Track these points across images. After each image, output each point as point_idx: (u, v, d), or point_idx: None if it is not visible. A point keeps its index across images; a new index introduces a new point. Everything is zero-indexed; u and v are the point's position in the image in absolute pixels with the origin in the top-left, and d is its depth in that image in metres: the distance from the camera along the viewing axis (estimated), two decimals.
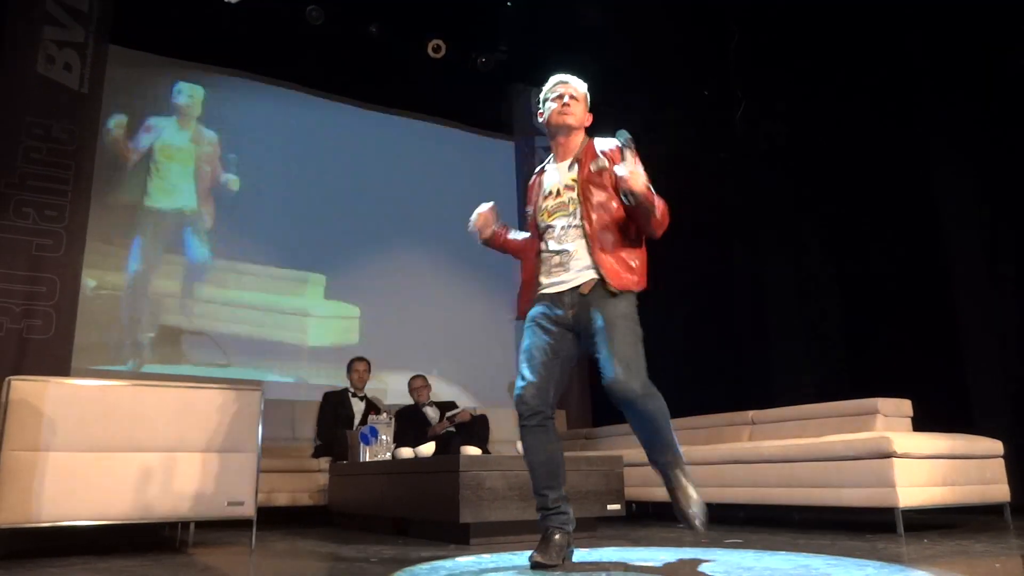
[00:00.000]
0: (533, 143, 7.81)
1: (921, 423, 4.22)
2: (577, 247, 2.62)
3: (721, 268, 6.81)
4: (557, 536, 2.53)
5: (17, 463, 2.94)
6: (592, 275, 2.57)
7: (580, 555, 2.83)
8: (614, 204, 2.62)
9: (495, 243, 2.94)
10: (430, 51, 7.01)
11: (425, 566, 2.60)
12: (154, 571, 2.55)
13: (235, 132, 6.72)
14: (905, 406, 4.22)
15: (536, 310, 2.68)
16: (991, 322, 5.00)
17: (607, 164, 2.65)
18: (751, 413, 4.92)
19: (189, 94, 6.61)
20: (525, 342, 2.68)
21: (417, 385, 5.84)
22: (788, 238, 6.43)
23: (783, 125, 6.45)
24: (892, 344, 5.48)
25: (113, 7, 6.07)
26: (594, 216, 2.61)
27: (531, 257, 2.78)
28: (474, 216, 2.89)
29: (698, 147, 6.91)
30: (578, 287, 2.60)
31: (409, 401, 5.87)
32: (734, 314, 6.71)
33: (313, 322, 6.72)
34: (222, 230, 6.50)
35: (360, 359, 5.93)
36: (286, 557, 3.07)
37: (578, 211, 2.63)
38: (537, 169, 2.92)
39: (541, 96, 2.85)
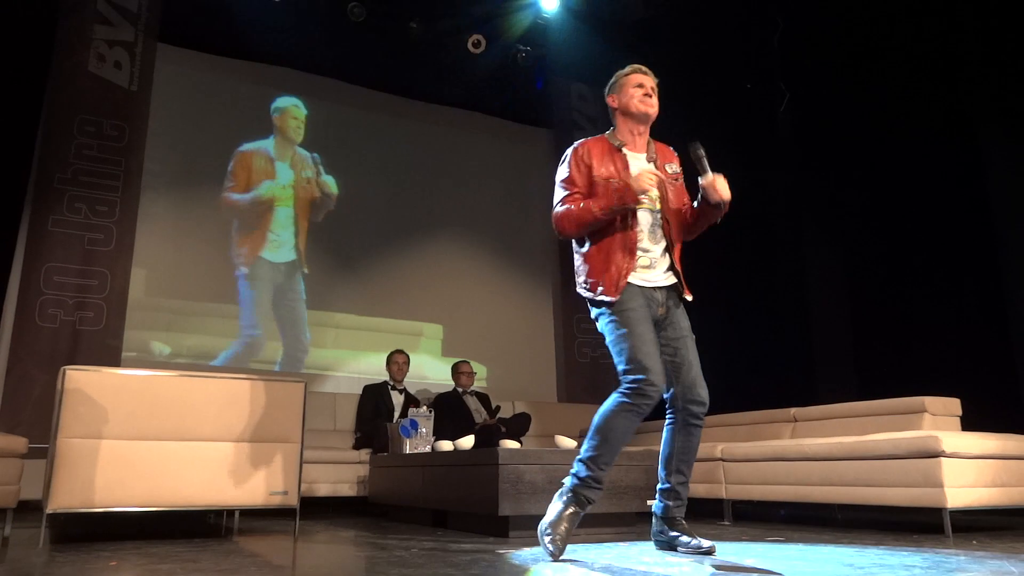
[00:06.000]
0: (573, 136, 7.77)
1: (970, 422, 4.12)
2: (661, 249, 2.76)
3: (763, 263, 6.72)
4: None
5: (72, 450, 3.04)
6: (674, 280, 2.75)
7: (621, 550, 2.83)
8: (682, 206, 2.83)
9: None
10: (470, 47, 7.02)
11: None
12: (201, 556, 2.61)
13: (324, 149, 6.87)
14: (953, 405, 4.12)
15: (638, 299, 2.67)
16: None
17: (680, 171, 2.89)
18: (793, 410, 4.85)
19: (283, 109, 6.76)
20: (637, 327, 2.61)
21: (464, 370, 5.88)
22: (832, 231, 6.32)
23: (826, 116, 6.33)
24: (940, 340, 5.34)
25: (161, 6, 6.21)
26: (671, 218, 2.79)
27: (614, 233, 2.71)
28: (651, 179, 2.66)
29: (741, 140, 6.81)
30: (672, 289, 2.74)
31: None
32: (776, 309, 6.61)
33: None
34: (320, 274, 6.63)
35: (399, 351, 5.97)
36: (328, 546, 3.12)
37: (660, 210, 2.77)
38: (611, 145, 2.84)
39: (617, 80, 2.87)
